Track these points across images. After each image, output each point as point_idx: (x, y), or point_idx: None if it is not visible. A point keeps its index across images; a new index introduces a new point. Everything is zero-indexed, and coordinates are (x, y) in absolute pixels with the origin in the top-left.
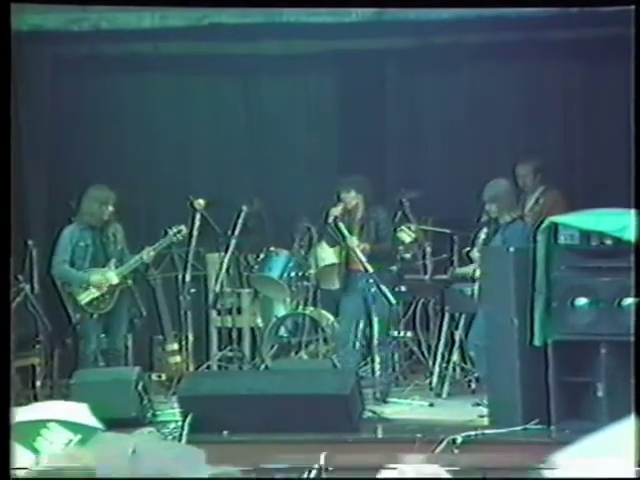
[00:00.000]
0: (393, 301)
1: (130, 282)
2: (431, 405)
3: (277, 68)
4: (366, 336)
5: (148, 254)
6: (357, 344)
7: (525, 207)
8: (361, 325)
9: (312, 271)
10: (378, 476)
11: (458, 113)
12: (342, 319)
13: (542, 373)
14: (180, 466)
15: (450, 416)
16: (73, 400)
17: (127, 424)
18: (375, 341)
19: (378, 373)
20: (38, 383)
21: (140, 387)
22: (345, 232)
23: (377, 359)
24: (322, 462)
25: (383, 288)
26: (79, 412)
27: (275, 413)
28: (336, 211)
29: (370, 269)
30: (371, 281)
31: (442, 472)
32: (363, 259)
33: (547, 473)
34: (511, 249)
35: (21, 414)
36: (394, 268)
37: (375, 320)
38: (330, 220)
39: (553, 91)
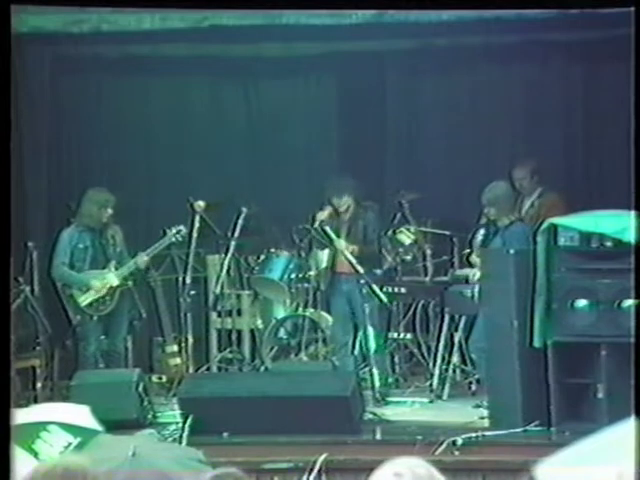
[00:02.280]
0: (385, 300)
1: (130, 284)
2: (431, 402)
3: (277, 70)
4: (355, 336)
5: (147, 256)
6: (350, 345)
7: (522, 210)
8: (351, 326)
9: (312, 273)
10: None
11: (458, 115)
12: (332, 322)
13: (542, 375)
14: (181, 468)
15: (450, 418)
16: (73, 402)
17: (127, 426)
18: (371, 343)
19: (376, 374)
20: (38, 385)
21: (140, 389)
22: (332, 235)
23: (372, 361)
24: (322, 464)
25: (375, 288)
26: (80, 414)
27: (275, 415)
28: (322, 215)
29: (361, 270)
30: (362, 282)
31: (437, 474)
32: (353, 260)
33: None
34: (511, 251)
35: (21, 416)
36: (378, 271)
37: (368, 321)
38: (316, 224)
39: (553, 93)
